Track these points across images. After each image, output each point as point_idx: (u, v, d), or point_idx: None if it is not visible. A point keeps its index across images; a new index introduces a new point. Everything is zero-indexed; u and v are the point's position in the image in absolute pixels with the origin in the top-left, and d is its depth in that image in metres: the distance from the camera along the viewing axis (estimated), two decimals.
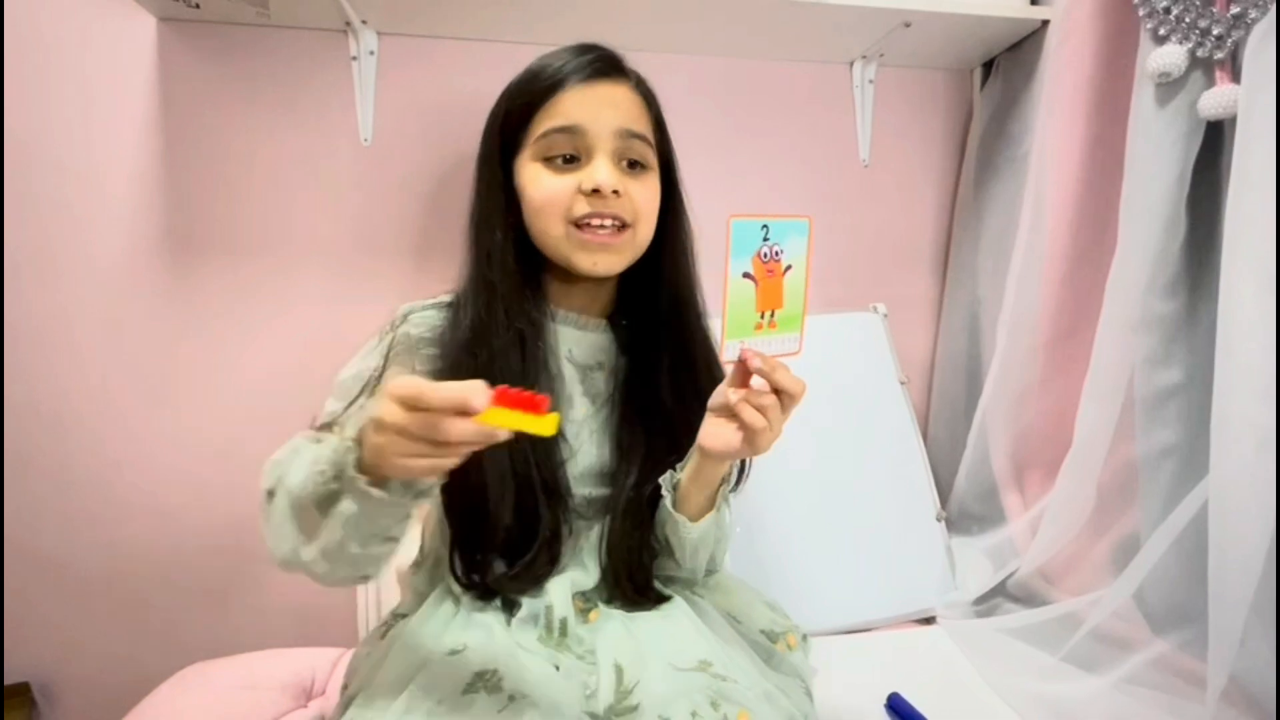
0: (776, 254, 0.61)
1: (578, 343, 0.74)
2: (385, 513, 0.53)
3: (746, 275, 0.60)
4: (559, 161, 0.68)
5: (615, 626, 0.70)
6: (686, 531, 0.69)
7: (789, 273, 0.62)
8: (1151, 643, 0.87)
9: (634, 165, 0.70)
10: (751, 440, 0.60)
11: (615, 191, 0.66)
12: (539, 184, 0.68)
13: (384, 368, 0.69)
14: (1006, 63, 1.22)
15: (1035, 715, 0.84)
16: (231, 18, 1.02)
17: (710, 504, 0.69)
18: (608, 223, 0.67)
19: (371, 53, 1.08)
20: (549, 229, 0.68)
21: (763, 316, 0.61)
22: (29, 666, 1.04)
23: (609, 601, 0.73)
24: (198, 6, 0.98)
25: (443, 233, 1.10)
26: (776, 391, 0.59)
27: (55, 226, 1.01)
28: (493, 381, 0.48)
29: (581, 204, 0.67)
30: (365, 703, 0.63)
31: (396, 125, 1.10)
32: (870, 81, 1.27)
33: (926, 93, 1.31)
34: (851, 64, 1.27)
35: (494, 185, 0.71)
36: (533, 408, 0.49)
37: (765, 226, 0.60)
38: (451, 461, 0.50)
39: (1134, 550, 0.89)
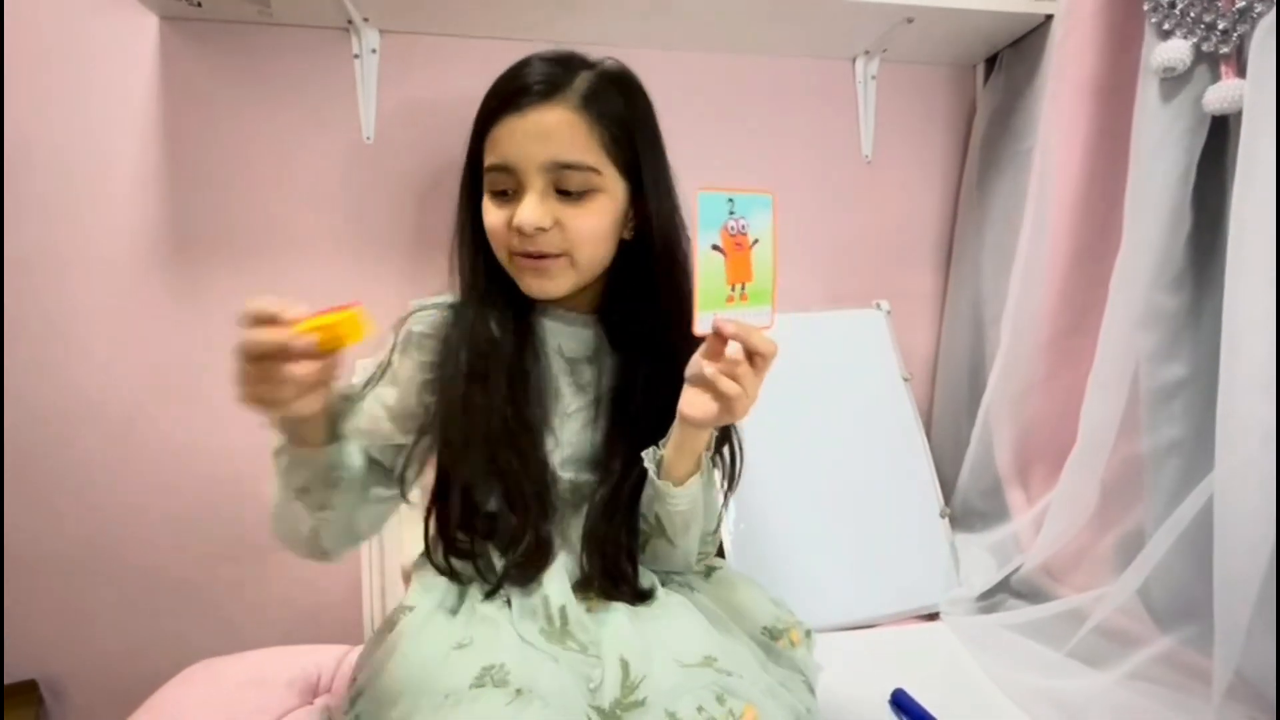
0: (743, 228, 0.62)
1: (565, 337, 0.76)
2: (292, 457, 0.62)
3: (715, 248, 0.61)
4: (500, 195, 0.70)
5: (620, 621, 0.70)
6: (674, 500, 0.69)
7: (756, 246, 0.63)
8: (1156, 638, 0.87)
9: (569, 194, 0.69)
10: (729, 407, 0.62)
11: (541, 228, 0.67)
12: (487, 216, 0.70)
13: (389, 361, 0.74)
14: (1010, 58, 1.22)
15: (1040, 711, 0.84)
16: (233, 16, 1.02)
17: (696, 469, 0.70)
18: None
19: (373, 51, 1.08)
20: (499, 255, 0.71)
21: (733, 289, 0.62)
22: (36, 664, 1.05)
23: (586, 591, 0.73)
24: (200, 5, 0.98)
25: (445, 229, 1.07)
26: (750, 356, 0.61)
27: (57, 225, 1.01)
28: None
29: (515, 238, 0.68)
30: (372, 698, 0.64)
31: (398, 123, 1.10)
32: (873, 77, 1.27)
33: (929, 88, 1.31)
34: (854, 60, 1.27)
35: (467, 207, 0.74)
36: (338, 310, 0.56)
37: (731, 200, 0.61)
38: (287, 392, 0.57)
39: (1138, 546, 0.89)
